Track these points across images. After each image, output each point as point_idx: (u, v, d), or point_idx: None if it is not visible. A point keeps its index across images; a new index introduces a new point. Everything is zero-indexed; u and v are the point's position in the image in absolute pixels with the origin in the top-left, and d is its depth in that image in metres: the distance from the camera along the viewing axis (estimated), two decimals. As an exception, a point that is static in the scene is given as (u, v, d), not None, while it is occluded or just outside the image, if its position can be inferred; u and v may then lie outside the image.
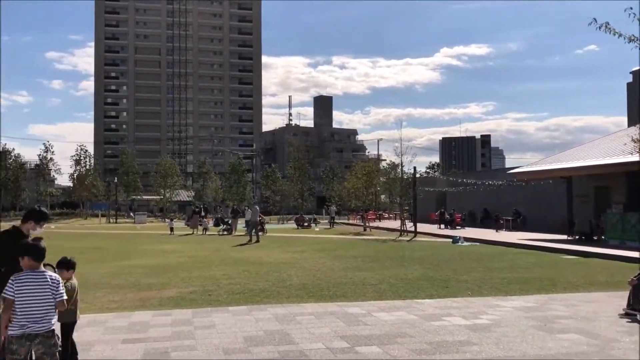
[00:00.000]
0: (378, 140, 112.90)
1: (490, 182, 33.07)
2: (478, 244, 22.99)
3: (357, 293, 10.23)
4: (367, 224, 37.58)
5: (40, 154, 75.51)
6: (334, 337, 6.87)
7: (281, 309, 8.70)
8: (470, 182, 35.19)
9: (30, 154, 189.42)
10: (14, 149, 78.70)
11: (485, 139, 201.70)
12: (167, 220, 41.15)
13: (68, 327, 5.53)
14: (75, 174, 75.13)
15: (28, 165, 79.00)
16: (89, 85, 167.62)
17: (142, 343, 6.57)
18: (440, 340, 6.73)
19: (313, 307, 8.87)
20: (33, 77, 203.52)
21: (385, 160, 74.24)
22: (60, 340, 5.50)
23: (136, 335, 7.00)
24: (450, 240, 24.24)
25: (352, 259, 16.60)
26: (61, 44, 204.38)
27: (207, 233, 31.95)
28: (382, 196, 50.84)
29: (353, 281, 11.75)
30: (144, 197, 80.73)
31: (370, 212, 46.29)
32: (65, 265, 5.63)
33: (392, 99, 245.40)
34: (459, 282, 11.63)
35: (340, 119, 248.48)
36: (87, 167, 75.82)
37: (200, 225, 33.28)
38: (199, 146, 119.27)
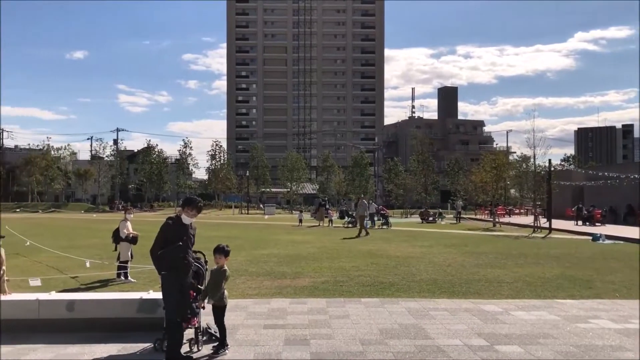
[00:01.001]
0: (507, 132, 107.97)
1: (634, 176, 30.29)
2: (622, 242, 21.18)
3: (491, 290, 9.89)
4: (497, 220, 36.11)
5: (180, 150, 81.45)
6: (471, 334, 6.71)
7: (414, 303, 8.66)
8: (611, 175, 32.50)
9: (170, 150, 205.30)
10: (157, 145, 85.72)
11: (628, 129, 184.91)
12: (295, 212, 42.54)
13: (220, 310, 5.97)
14: (211, 168, 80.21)
15: (169, 160, 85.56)
16: (221, 85, 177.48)
17: (282, 329, 6.88)
18: (588, 343, 6.32)
19: (446, 302, 8.72)
20: (172, 78, 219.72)
21: (514, 152, 70.94)
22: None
23: (276, 321, 7.34)
24: (590, 237, 22.57)
25: (484, 255, 16.06)
26: (196, 46, 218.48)
27: (333, 225, 32.60)
28: (512, 190, 48.56)
29: (486, 278, 11.37)
30: (273, 189, 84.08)
31: (500, 207, 44.44)
32: (222, 252, 6.09)
33: (521, 88, 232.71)
34: (604, 283, 10.82)
35: (465, 110, 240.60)
36: (222, 161, 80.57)
37: (326, 217, 34.03)
38: (322, 140, 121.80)
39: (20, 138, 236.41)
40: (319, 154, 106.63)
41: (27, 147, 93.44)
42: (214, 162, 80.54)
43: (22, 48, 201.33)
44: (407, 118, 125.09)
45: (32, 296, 7.03)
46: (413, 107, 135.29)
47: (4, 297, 6.89)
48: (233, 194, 76.80)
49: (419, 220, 41.38)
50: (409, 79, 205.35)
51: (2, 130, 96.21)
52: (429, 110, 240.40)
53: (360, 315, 7.69)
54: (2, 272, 7.04)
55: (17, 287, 7.93)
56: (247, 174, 76.02)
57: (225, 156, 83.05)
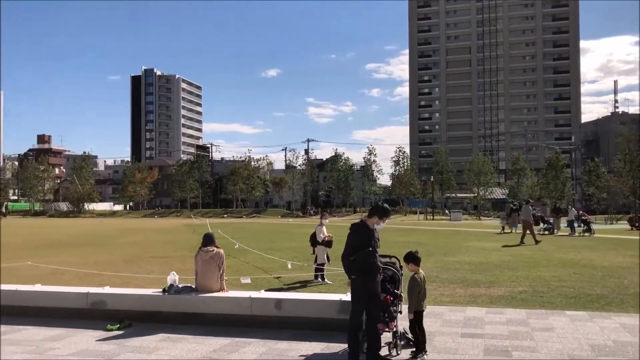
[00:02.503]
0: None
1: None
2: None
3: None
4: None
5: (364, 157, 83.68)
6: None
7: (629, 318, 7.79)
8: None
9: (355, 157, 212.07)
10: (343, 153, 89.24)
11: None
12: (493, 218, 40.90)
13: (419, 315, 6.02)
14: (394, 174, 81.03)
15: (355, 167, 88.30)
16: (403, 91, 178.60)
17: (481, 339, 6.68)
18: None
19: (670, 320, 7.69)
20: (356, 88, 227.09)
21: None
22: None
23: (473, 330, 7.15)
24: None
25: None
26: (378, 55, 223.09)
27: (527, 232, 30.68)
28: None
29: None
30: (458, 194, 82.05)
31: None
32: (412, 259, 6.15)
33: None
34: None
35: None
36: (405, 167, 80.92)
37: (520, 223, 32.13)
38: (511, 142, 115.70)
39: (225, 151, 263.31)
40: (508, 156, 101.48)
41: (232, 159, 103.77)
42: (397, 168, 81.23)
43: (224, 73, 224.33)
44: (610, 114, 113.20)
45: (245, 294, 7.77)
46: (616, 101, 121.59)
47: (222, 294, 7.72)
48: (417, 199, 76.60)
49: (628, 227, 37.08)
50: (610, 71, 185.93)
51: (211, 144, 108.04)
52: (635, 104, 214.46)
53: (566, 329, 7.14)
54: (222, 271, 7.89)
55: (230, 285, 8.82)
56: (432, 179, 75.26)
57: (409, 162, 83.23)
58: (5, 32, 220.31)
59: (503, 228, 31.76)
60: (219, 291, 7.76)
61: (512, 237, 26.93)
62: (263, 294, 7.78)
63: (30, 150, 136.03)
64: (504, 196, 75.90)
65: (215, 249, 7.90)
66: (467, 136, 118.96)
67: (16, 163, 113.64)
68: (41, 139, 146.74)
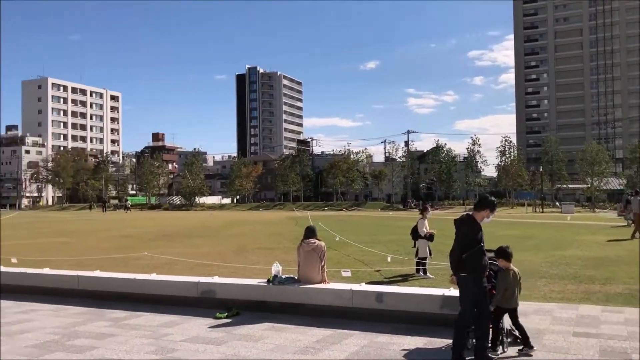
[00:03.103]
0: None
1: None
2: None
3: None
4: None
5: (468, 147, 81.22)
6: None
7: None
8: None
9: (458, 148, 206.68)
10: (445, 144, 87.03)
11: None
12: (614, 210, 37.96)
13: (513, 311, 5.82)
14: (500, 165, 77.92)
15: (458, 159, 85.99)
16: (508, 78, 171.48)
17: (595, 339, 6.27)
18: None
19: None
20: (458, 77, 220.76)
21: None
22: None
23: (586, 329, 6.73)
24: None
25: None
26: (481, 42, 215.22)
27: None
28: None
29: None
30: (570, 185, 77.45)
31: None
32: (502, 255, 5.92)
33: None
34: None
35: None
36: (512, 157, 77.55)
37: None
38: (629, 129, 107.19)
39: (325, 145, 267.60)
40: (626, 144, 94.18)
41: (331, 152, 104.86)
42: (503, 158, 78.05)
43: (323, 68, 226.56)
44: None
45: (346, 286, 7.84)
46: None
47: (324, 286, 7.84)
48: (525, 191, 73.15)
49: None
50: None
51: (312, 138, 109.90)
52: None
53: (695, 332, 6.51)
54: (323, 263, 8.02)
55: (331, 277, 8.94)
56: (541, 169, 71.55)
57: (516, 151, 79.65)
58: (119, 38, 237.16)
59: (632, 221, 29.48)
60: (320, 283, 7.90)
61: (630, 230, 25.01)
62: (364, 287, 7.80)
63: (146, 147, 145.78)
64: (622, 187, 70.57)
65: (316, 241, 8.04)
66: (579, 123, 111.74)
67: (134, 160, 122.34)
68: (156, 137, 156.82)
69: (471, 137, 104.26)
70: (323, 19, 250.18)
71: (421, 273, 11.31)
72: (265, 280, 8.24)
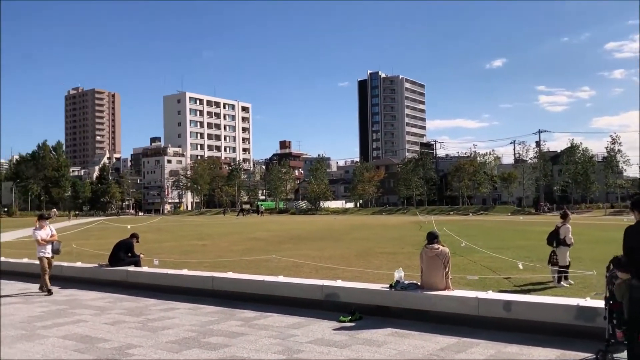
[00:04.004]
0: None
1: None
2: None
3: None
4: None
5: (607, 146, 75.11)
6: None
7: None
8: None
9: (595, 147, 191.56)
10: (580, 143, 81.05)
11: None
12: None
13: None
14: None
15: (596, 159, 79.79)
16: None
17: None
18: None
19: None
20: (594, 71, 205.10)
21: None
22: None
23: None
24: None
25: None
26: (620, 32, 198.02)
27: None
28: None
29: None
30: None
31: None
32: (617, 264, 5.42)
33: None
34: None
35: None
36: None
37: None
38: None
39: (449, 147, 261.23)
40: None
41: (456, 155, 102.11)
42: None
43: (445, 69, 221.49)
44: None
45: (472, 294, 7.59)
46: None
47: (448, 293, 7.67)
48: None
49: None
50: None
51: (435, 141, 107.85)
52: None
53: None
54: (447, 269, 7.85)
55: (456, 284, 8.70)
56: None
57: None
58: (249, 54, 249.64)
59: None
60: (444, 289, 7.74)
61: None
62: (491, 295, 7.52)
63: (274, 155, 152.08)
64: None
65: (440, 246, 7.90)
66: None
67: (263, 167, 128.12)
68: (283, 144, 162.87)
69: (610, 135, 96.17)
70: (445, 18, 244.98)
71: (561, 282, 10.57)
72: (388, 285, 8.23)
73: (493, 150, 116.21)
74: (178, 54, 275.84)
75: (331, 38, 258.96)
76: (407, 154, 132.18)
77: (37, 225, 11.55)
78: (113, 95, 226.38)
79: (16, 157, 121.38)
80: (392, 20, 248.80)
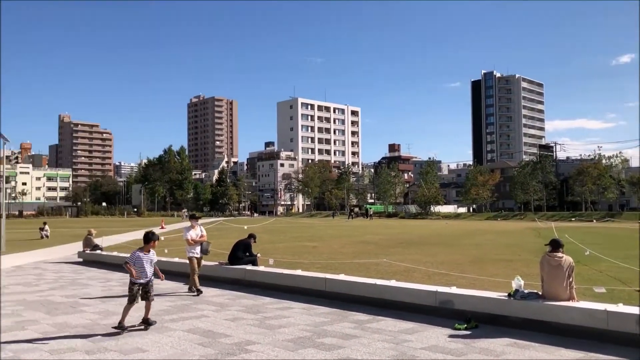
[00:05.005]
0: None
1: None
2: None
3: None
4: None
5: None
6: None
7: None
8: None
9: None
10: None
11: None
12: None
13: None
14: None
15: None
16: None
17: None
18: None
19: None
20: None
21: None
22: None
23: None
24: None
25: None
26: None
27: None
28: None
29: None
30: None
31: None
32: None
33: None
34: None
35: None
36: None
37: None
38: None
39: (571, 149, 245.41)
40: None
41: (578, 157, 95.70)
42: None
43: (566, 68, 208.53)
44: None
45: (599, 306, 7.09)
46: None
47: (572, 304, 7.21)
48: None
49: None
50: None
51: (555, 143, 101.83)
52: None
53: None
54: (571, 279, 7.41)
55: (580, 294, 8.17)
56: None
57: None
58: (356, 59, 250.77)
59: None
60: (567, 300, 7.31)
61: None
62: (622, 308, 6.97)
63: (383, 158, 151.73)
64: None
65: (563, 255, 7.49)
66: None
67: (372, 170, 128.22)
68: (392, 148, 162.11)
69: None
70: (563, 15, 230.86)
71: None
72: (506, 294, 7.91)
73: (620, 152, 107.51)
74: (291, 61, 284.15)
75: (441, 38, 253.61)
76: (524, 156, 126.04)
77: (188, 225, 11.59)
78: (231, 103, 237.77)
79: (144, 161, 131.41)
80: (506, 18, 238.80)
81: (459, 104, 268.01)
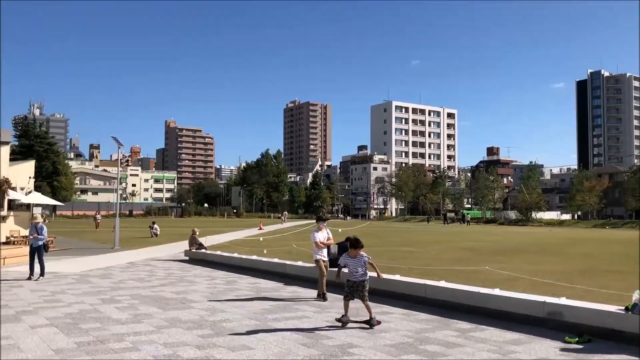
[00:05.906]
0: None
1: None
2: None
3: None
4: None
5: None
6: None
7: None
8: None
9: None
10: None
11: None
12: None
13: None
14: None
15: None
16: None
17: None
18: None
19: None
20: None
21: None
22: None
23: None
24: None
25: None
26: None
27: None
28: None
29: None
30: None
31: None
32: None
33: None
34: None
35: None
36: None
37: None
38: None
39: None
40: None
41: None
42: None
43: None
44: None
45: None
46: None
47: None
48: None
49: None
50: None
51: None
52: None
53: None
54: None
55: None
56: None
57: None
58: (452, 60, 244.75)
59: None
60: (696, 318, 6.72)
61: None
62: None
63: (481, 162, 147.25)
64: None
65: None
66: None
67: (469, 174, 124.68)
68: (490, 151, 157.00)
69: None
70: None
71: None
72: (624, 307, 7.41)
73: None
74: (385, 64, 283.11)
75: (543, 37, 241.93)
76: (635, 160, 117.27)
77: (316, 228, 11.13)
78: (325, 107, 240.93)
79: (243, 164, 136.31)
80: (613, 14, 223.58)
81: (563, 105, 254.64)
